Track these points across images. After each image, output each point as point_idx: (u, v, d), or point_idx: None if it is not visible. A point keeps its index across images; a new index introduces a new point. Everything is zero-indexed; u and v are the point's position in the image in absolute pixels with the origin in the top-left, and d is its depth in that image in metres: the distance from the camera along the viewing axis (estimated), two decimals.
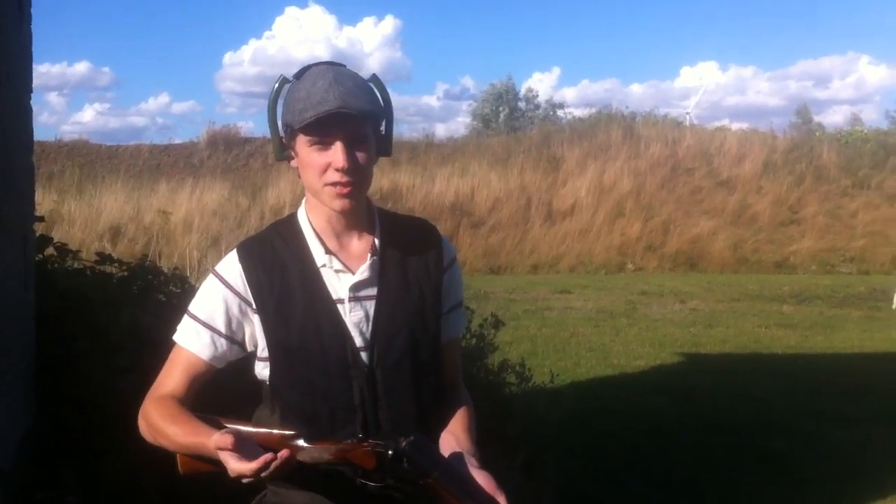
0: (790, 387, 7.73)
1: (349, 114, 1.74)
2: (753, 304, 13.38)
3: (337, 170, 1.77)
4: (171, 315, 3.24)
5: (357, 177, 1.80)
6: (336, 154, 1.77)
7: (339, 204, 1.82)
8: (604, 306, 13.02)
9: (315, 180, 1.81)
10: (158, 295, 3.73)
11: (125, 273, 3.78)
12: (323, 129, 1.76)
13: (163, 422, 1.79)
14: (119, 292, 3.50)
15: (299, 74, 1.85)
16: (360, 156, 1.80)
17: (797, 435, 6.19)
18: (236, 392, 2.06)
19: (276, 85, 1.88)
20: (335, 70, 1.82)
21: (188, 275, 5.21)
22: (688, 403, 7.10)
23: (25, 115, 3.02)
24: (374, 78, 1.90)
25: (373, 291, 1.88)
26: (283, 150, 1.88)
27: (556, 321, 11.61)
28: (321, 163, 1.79)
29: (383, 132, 1.92)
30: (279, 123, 1.87)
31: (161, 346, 2.82)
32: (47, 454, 2.80)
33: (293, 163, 1.88)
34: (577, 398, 6.71)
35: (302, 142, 1.81)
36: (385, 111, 1.90)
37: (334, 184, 1.79)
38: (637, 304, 13.33)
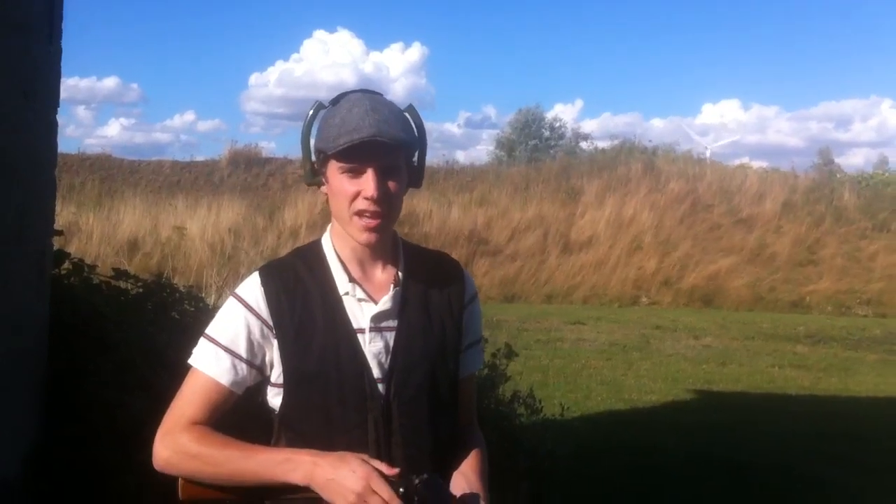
0: (802, 429, 7.65)
1: (383, 142, 1.73)
2: (768, 343, 13.27)
3: (366, 198, 1.76)
4: (184, 334, 3.27)
5: (386, 207, 1.79)
6: (367, 182, 1.76)
7: (365, 238, 1.81)
8: (617, 339, 12.95)
9: (344, 208, 1.80)
10: (172, 313, 3.74)
11: (140, 289, 3.79)
12: (356, 157, 1.75)
13: (211, 448, 1.74)
14: (133, 309, 3.51)
15: (336, 101, 1.84)
16: (392, 185, 1.79)
17: (808, 478, 6.12)
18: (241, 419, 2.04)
19: (312, 110, 1.87)
20: (371, 98, 1.81)
21: (202, 293, 5.22)
22: (698, 441, 7.03)
23: (50, 130, 3.04)
24: (411, 108, 1.89)
25: (394, 323, 1.86)
26: (314, 176, 1.87)
27: (569, 352, 11.55)
28: (351, 190, 1.78)
29: (416, 163, 1.91)
30: (312, 148, 1.86)
31: (174, 366, 2.84)
32: (54, 469, 2.80)
33: (323, 189, 1.87)
34: (587, 432, 6.67)
35: (333, 168, 1.79)
36: (419, 142, 1.88)
37: (362, 213, 1.78)
38: (650, 338, 13.25)
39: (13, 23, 2.68)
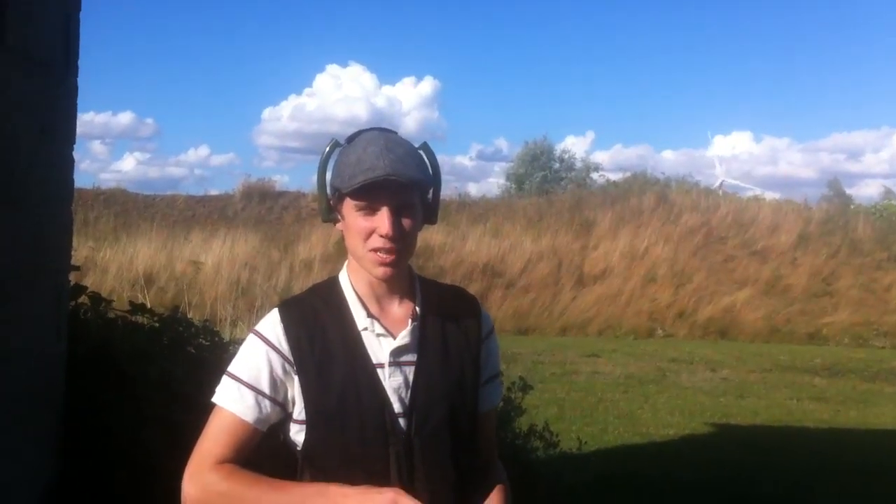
0: (821, 463, 7.57)
1: (398, 181, 1.74)
2: (785, 375, 13.18)
3: (381, 236, 1.77)
4: (200, 368, 3.26)
5: (401, 244, 1.80)
6: (382, 220, 1.77)
7: (380, 272, 1.82)
8: (633, 372, 12.89)
9: (359, 245, 1.81)
10: (188, 348, 3.73)
11: (156, 324, 3.79)
12: (371, 195, 1.76)
13: (240, 485, 1.74)
14: (149, 344, 3.50)
15: (351, 139, 1.86)
16: (406, 223, 1.80)
17: None
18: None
19: (328, 148, 1.89)
20: (386, 137, 1.83)
21: (217, 327, 5.22)
22: (717, 476, 6.96)
23: (67, 166, 3.06)
24: (425, 146, 1.90)
25: (413, 357, 1.86)
26: (330, 213, 1.89)
27: (584, 385, 11.50)
28: (366, 228, 1.79)
29: (430, 200, 1.92)
30: (328, 186, 1.88)
31: (189, 400, 2.83)
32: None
33: (339, 226, 1.88)
34: (604, 466, 6.61)
35: (349, 206, 1.81)
36: (433, 180, 1.90)
37: (377, 250, 1.79)
38: (667, 371, 13.18)
39: (31, 59, 2.70)
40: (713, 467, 7.28)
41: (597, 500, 5.62)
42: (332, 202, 1.87)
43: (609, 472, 6.63)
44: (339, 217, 1.87)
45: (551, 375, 12.07)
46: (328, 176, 1.88)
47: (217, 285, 16.30)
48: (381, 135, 1.84)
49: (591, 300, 19.70)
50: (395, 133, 1.88)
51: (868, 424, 9.58)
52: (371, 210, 1.78)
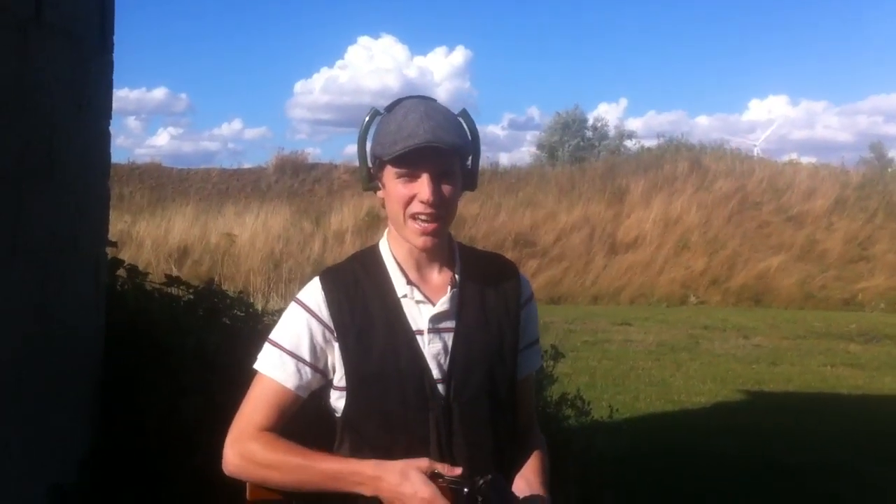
0: (856, 429, 7.52)
1: (438, 147, 1.76)
2: (819, 341, 13.07)
3: (422, 202, 1.79)
4: (235, 339, 3.31)
5: (441, 210, 1.82)
6: (422, 187, 1.79)
7: (421, 241, 1.84)
8: (665, 340, 12.84)
9: (399, 212, 1.83)
10: (223, 319, 3.78)
11: (191, 296, 3.84)
12: (411, 162, 1.78)
13: (280, 456, 1.77)
14: (186, 315, 3.56)
15: (391, 107, 1.87)
16: (447, 189, 1.82)
17: (862, 479, 6.02)
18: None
19: (368, 117, 1.90)
20: (426, 104, 1.85)
21: (251, 299, 5.28)
22: (750, 443, 6.94)
23: (103, 140, 3.10)
24: (464, 112, 1.92)
25: (452, 324, 1.89)
26: (371, 181, 1.91)
27: (616, 354, 11.48)
28: (407, 195, 1.81)
29: (469, 166, 1.93)
30: (368, 155, 1.90)
31: (225, 370, 2.88)
32: (109, 476, 2.84)
33: (379, 194, 1.90)
34: (636, 434, 6.61)
35: (389, 173, 1.83)
36: (472, 146, 1.91)
37: (417, 216, 1.81)
38: (699, 338, 13.11)
39: (68, 35, 2.74)
40: (746, 435, 7.25)
41: (629, 468, 5.65)
42: (372, 170, 1.89)
43: (641, 440, 6.64)
44: (380, 185, 1.88)
45: (583, 344, 12.06)
46: (368, 145, 1.90)
47: (250, 258, 16.44)
48: (420, 102, 1.85)
49: (623, 268, 19.63)
50: (435, 100, 1.89)
51: None
52: (412, 177, 1.80)
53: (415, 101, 1.86)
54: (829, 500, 5.62)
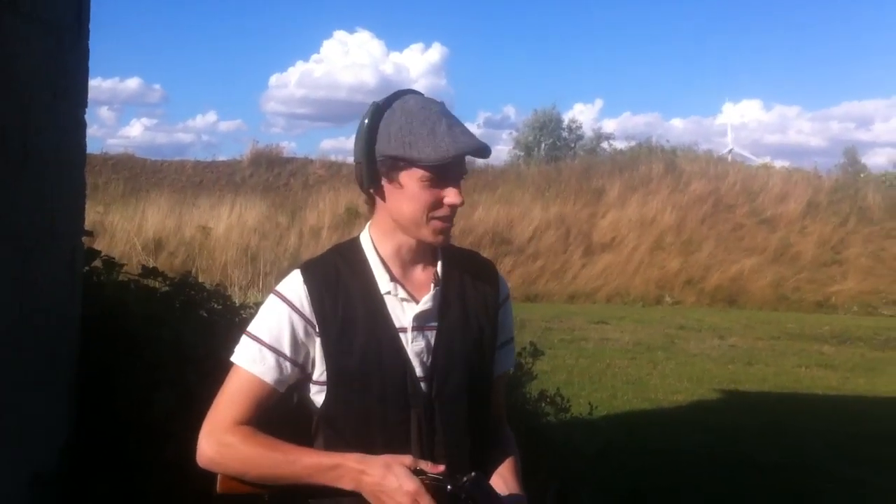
0: (829, 429, 7.59)
1: (466, 154, 1.79)
2: (793, 343, 13.19)
3: (451, 205, 1.81)
4: (212, 332, 3.28)
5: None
6: (453, 192, 1.81)
7: (441, 239, 1.86)
8: (641, 339, 12.91)
9: (419, 214, 1.81)
10: (200, 311, 3.74)
11: (168, 287, 3.80)
12: (446, 168, 1.78)
13: (257, 449, 1.74)
14: (162, 307, 3.52)
15: (389, 102, 1.83)
16: (461, 190, 1.85)
17: (835, 479, 6.06)
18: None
19: (371, 112, 1.83)
20: (439, 106, 1.83)
21: (229, 292, 5.24)
22: (725, 441, 6.99)
23: (79, 129, 3.05)
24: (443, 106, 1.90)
25: (434, 322, 1.87)
26: (376, 180, 1.84)
27: (593, 352, 11.53)
28: (432, 199, 1.80)
29: None
30: (375, 151, 1.81)
31: (201, 363, 2.85)
32: (85, 465, 2.81)
33: (384, 191, 1.84)
34: (612, 431, 6.64)
35: (412, 175, 1.79)
36: None
37: (443, 218, 1.82)
38: (675, 338, 13.19)
39: (43, 23, 2.69)
40: (721, 432, 7.30)
41: (605, 464, 5.66)
42: (381, 169, 1.82)
43: (617, 437, 6.66)
44: (395, 185, 1.82)
45: (560, 342, 12.10)
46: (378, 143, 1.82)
47: (226, 251, 16.35)
48: (429, 102, 1.83)
49: (599, 268, 19.71)
50: (433, 99, 1.87)
51: (876, 392, 9.59)
52: (443, 181, 1.80)
53: (422, 100, 1.84)
54: (802, 497, 5.66)
